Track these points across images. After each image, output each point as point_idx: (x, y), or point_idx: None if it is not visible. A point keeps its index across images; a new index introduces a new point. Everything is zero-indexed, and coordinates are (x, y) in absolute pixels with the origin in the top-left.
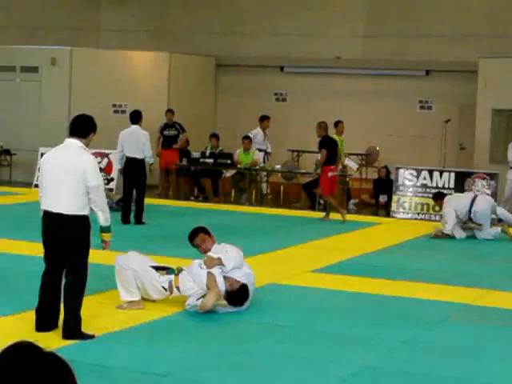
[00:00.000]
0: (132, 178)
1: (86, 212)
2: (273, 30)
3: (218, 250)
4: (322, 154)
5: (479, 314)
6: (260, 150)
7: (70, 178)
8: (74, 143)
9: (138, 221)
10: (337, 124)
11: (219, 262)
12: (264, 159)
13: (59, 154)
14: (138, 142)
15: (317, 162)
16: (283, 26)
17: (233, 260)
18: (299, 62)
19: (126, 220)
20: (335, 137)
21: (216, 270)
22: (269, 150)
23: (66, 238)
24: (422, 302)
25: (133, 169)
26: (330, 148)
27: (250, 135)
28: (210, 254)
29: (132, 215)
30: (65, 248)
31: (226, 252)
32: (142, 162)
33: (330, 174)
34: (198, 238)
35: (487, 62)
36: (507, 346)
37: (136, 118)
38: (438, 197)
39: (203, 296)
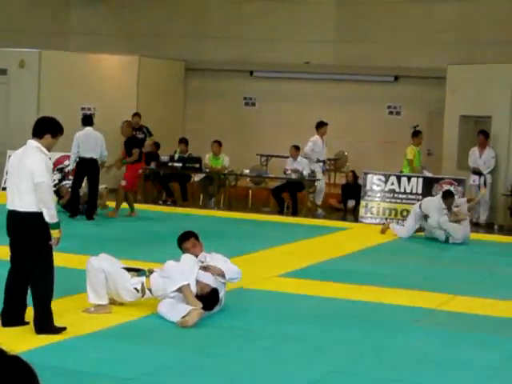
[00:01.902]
0: (84, 176)
1: (38, 209)
2: (242, 34)
3: (215, 259)
4: (134, 153)
5: (445, 319)
6: (319, 161)
7: (21, 175)
8: (31, 143)
9: (89, 216)
10: (417, 134)
11: (220, 273)
12: (323, 171)
13: (18, 154)
14: (96, 142)
15: (128, 160)
16: (253, 31)
17: (231, 272)
18: (269, 66)
19: (74, 214)
20: (413, 147)
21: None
22: (322, 158)
23: (21, 234)
24: (388, 306)
25: (88, 167)
26: (140, 147)
27: (310, 143)
28: (211, 264)
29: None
30: (22, 245)
31: (225, 262)
32: (96, 161)
33: (140, 171)
34: (189, 242)
35: (455, 68)
36: (473, 351)
37: (89, 121)
38: (450, 196)
39: (184, 316)
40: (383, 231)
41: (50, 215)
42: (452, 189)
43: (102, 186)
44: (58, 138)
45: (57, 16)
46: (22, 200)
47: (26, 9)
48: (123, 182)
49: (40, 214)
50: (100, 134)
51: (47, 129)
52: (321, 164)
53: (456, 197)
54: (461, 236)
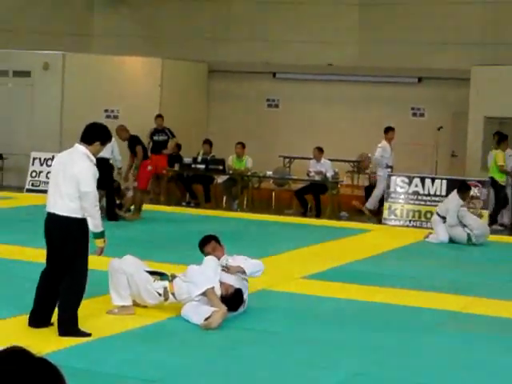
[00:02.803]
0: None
1: (79, 215)
2: (265, 36)
3: (236, 261)
4: (138, 151)
5: (469, 321)
6: (387, 167)
7: (66, 181)
8: (79, 148)
9: (111, 217)
10: (505, 139)
11: (241, 270)
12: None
13: (63, 158)
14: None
15: (136, 162)
16: (276, 33)
17: (251, 266)
18: (291, 68)
19: None
20: (500, 153)
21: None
22: (391, 164)
23: (59, 239)
24: (412, 309)
25: (100, 167)
26: (142, 144)
27: (379, 149)
28: (231, 264)
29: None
30: (59, 248)
31: (246, 260)
32: (108, 160)
33: (149, 167)
34: (210, 245)
35: (479, 69)
36: (496, 353)
37: None
38: (466, 189)
39: (207, 317)
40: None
41: (95, 225)
42: (476, 191)
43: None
44: (105, 145)
45: (80, 18)
46: (64, 204)
47: (49, 11)
48: (135, 183)
49: (80, 221)
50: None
51: (98, 136)
52: (389, 170)
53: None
54: (479, 227)
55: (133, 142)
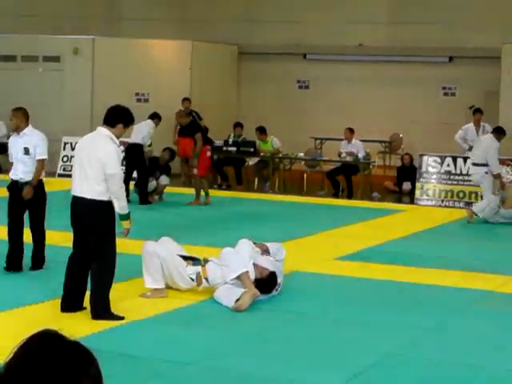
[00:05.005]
0: (133, 162)
1: (105, 198)
2: (295, 17)
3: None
4: (198, 139)
5: (503, 300)
6: (471, 149)
7: (91, 164)
8: (102, 131)
9: (143, 201)
10: None
11: (264, 248)
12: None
13: (87, 141)
14: (139, 128)
15: (194, 151)
16: (306, 13)
17: (272, 246)
18: (322, 49)
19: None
20: None
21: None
22: None
23: (86, 222)
24: (445, 288)
25: (134, 153)
26: (201, 130)
27: (460, 131)
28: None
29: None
30: (87, 232)
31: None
32: (141, 146)
33: (208, 153)
34: None
35: (511, 47)
36: None
37: (153, 116)
38: (502, 131)
39: (237, 299)
40: (470, 218)
41: (121, 206)
42: (508, 169)
43: (165, 182)
44: (128, 127)
45: (109, 2)
46: (91, 187)
47: None
48: (195, 171)
49: (108, 203)
50: (151, 122)
51: (121, 118)
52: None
53: None
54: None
55: (193, 127)
